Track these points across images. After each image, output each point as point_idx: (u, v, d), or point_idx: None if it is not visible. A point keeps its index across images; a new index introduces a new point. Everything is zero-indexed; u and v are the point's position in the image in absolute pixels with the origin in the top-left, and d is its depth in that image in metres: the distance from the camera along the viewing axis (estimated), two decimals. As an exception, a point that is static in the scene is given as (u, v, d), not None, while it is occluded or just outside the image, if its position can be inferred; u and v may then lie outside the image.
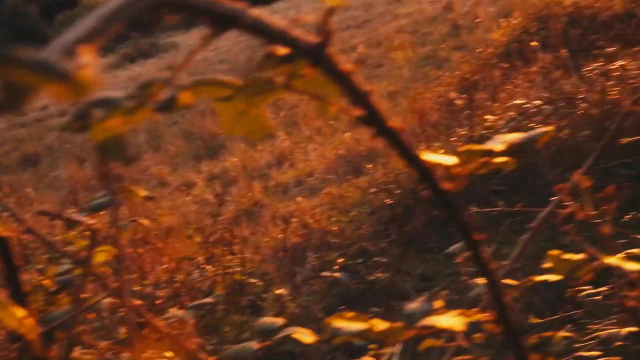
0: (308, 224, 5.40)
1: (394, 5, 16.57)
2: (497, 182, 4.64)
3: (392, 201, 4.93)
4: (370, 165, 6.23)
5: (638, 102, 0.92)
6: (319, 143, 8.32)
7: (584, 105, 4.52)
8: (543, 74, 5.59)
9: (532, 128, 4.53)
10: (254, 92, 0.47)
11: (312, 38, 0.43)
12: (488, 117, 5.05)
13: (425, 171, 0.53)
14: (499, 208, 3.22)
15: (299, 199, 6.34)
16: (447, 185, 0.54)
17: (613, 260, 0.66)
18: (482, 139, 4.88)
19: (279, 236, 5.43)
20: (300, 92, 0.47)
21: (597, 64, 4.72)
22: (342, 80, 0.45)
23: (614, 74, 4.56)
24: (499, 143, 0.59)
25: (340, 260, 4.47)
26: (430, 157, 0.58)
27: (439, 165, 0.60)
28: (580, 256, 0.66)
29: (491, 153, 0.60)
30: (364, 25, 15.67)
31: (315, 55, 0.43)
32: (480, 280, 1.24)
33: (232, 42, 19.23)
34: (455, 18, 12.47)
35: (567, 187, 0.81)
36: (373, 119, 0.47)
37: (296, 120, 9.82)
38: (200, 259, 4.97)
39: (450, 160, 0.60)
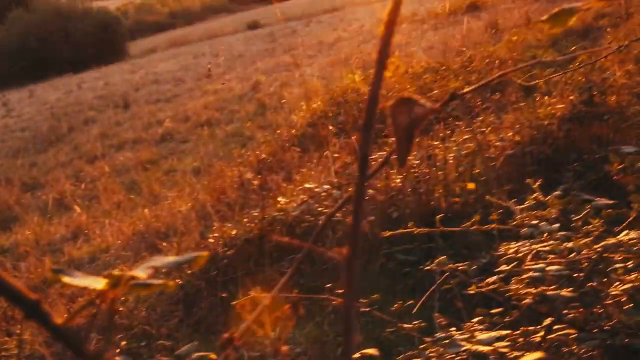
0: (96, 304, 5.19)
1: (204, 82, 16.71)
2: (286, 266, 4.67)
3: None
4: (165, 244, 6.13)
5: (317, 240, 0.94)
6: (117, 218, 8.10)
7: (370, 191, 4.68)
8: (335, 158, 5.77)
9: (321, 212, 4.63)
10: None
11: None
12: (280, 199, 5.11)
13: (32, 306, 0.50)
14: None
15: (90, 276, 6.09)
16: (60, 320, 0.51)
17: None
18: (274, 221, 4.94)
19: (64, 316, 5.18)
20: None
21: (382, 152, 4.91)
22: None
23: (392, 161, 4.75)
24: (144, 269, 0.57)
25: (124, 343, 4.31)
26: (71, 280, 0.55)
27: (86, 288, 0.57)
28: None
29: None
30: (172, 100, 15.65)
31: None
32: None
33: (35, 109, 18.63)
34: (262, 98, 12.73)
35: (247, 303, 0.80)
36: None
37: (97, 194, 9.56)
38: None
39: (98, 283, 0.57)
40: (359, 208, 0.54)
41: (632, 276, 1.88)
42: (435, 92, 7.49)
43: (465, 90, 0.82)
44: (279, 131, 8.43)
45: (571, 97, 4.86)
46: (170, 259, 0.59)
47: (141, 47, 33.00)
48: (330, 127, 7.10)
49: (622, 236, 1.95)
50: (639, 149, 1.76)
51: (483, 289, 2.10)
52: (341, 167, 5.57)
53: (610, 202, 2.22)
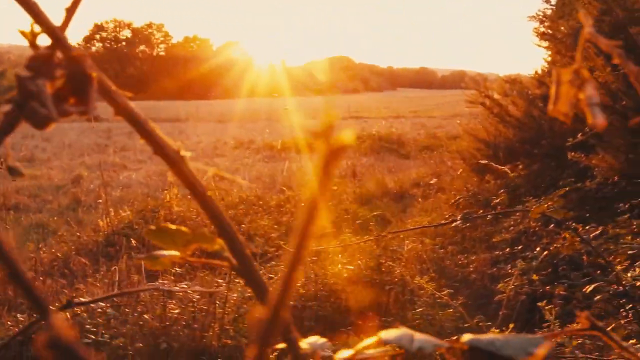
0: None
1: (24, 164, 16.09)
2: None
3: None
4: None
5: None
6: None
7: (145, 316, 4.55)
8: (125, 274, 5.61)
9: (89, 329, 4.44)
10: None
11: None
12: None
13: None
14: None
15: None
16: None
17: None
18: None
19: None
20: None
21: (163, 281, 4.82)
22: None
23: (178, 293, 4.69)
24: None
25: None
26: None
27: None
28: None
29: None
30: (-16, 177, 14.92)
31: None
32: None
33: None
34: (79, 193, 12.35)
35: None
36: None
37: None
38: None
39: None
40: None
41: None
42: (244, 225, 7.54)
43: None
44: (78, 234, 8.16)
45: (359, 262, 4.99)
46: None
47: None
48: (132, 240, 6.95)
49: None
50: None
51: None
52: (130, 285, 5.41)
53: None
